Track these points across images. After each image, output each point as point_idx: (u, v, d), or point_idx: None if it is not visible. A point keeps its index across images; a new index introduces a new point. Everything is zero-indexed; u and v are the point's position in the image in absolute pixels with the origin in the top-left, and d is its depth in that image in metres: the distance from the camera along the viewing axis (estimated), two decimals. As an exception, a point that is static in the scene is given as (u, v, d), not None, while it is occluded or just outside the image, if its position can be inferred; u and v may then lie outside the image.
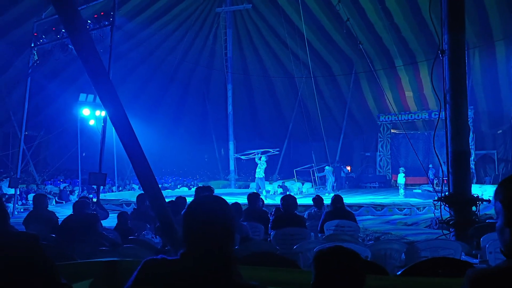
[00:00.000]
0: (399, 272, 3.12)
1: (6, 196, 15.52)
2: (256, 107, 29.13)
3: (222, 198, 1.68)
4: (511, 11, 17.43)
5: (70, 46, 12.31)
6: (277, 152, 20.95)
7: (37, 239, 1.83)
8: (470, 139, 16.41)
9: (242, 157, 21.50)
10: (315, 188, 21.07)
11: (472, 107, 20.05)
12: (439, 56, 6.77)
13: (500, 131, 22.39)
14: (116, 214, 6.82)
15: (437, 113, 8.32)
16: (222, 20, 23.52)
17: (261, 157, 16.64)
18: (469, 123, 7.26)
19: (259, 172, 16.30)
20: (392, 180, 24.52)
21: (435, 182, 18.53)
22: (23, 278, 1.69)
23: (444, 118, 6.85)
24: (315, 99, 20.50)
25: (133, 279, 1.53)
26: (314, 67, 21.13)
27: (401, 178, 18.72)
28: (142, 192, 6.67)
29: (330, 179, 19.71)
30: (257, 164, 16.49)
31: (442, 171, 6.99)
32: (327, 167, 20.20)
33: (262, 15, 23.69)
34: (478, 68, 20.77)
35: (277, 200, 9.77)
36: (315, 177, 21.99)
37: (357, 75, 24.16)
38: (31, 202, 10.72)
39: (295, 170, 22.35)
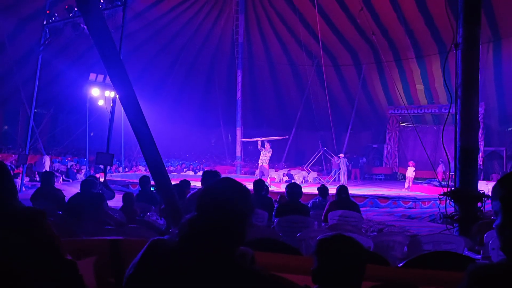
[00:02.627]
0: (401, 264, 3.13)
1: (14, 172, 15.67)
2: (264, 94, 29.00)
3: (243, 185, 1.61)
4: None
5: (82, 25, 12.29)
6: (281, 138, 20.86)
7: (44, 214, 1.85)
8: (479, 135, 16.22)
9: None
10: (322, 177, 21.06)
11: (483, 103, 19.84)
12: (452, 49, 6.69)
13: (510, 128, 22.22)
14: (122, 195, 6.85)
15: (447, 107, 8.25)
16: (234, 4, 23.38)
17: (265, 144, 16.50)
18: (479, 119, 7.17)
19: (264, 160, 16.19)
20: (399, 173, 24.43)
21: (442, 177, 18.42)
22: (29, 252, 1.72)
23: (454, 112, 6.79)
24: (324, 89, 20.37)
25: (139, 257, 1.54)
26: (324, 56, 20.95)
27: (409, 172, 18.61)
28: (146, 174, 6.70)
29: (343, 169, 19.65)
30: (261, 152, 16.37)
31: (450, 166, 6.95)
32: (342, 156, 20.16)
33: (272, 3, 23.47)
34: (491, 64, 20.49)
35: (282, 188, 9.78)
36: (324, 166, 21.94)
37: (368, 66, 23.95)
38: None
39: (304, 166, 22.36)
